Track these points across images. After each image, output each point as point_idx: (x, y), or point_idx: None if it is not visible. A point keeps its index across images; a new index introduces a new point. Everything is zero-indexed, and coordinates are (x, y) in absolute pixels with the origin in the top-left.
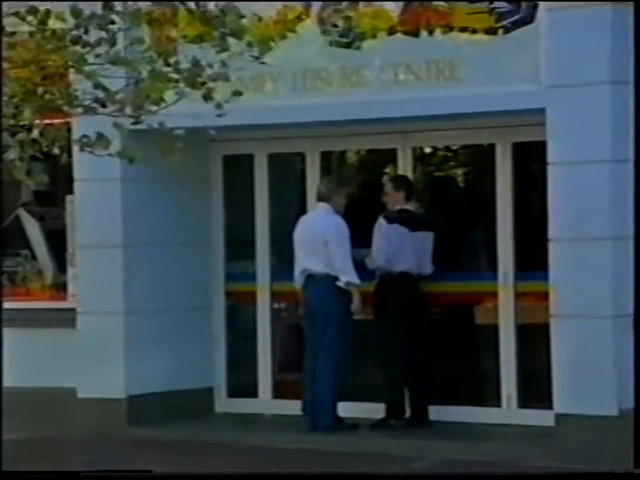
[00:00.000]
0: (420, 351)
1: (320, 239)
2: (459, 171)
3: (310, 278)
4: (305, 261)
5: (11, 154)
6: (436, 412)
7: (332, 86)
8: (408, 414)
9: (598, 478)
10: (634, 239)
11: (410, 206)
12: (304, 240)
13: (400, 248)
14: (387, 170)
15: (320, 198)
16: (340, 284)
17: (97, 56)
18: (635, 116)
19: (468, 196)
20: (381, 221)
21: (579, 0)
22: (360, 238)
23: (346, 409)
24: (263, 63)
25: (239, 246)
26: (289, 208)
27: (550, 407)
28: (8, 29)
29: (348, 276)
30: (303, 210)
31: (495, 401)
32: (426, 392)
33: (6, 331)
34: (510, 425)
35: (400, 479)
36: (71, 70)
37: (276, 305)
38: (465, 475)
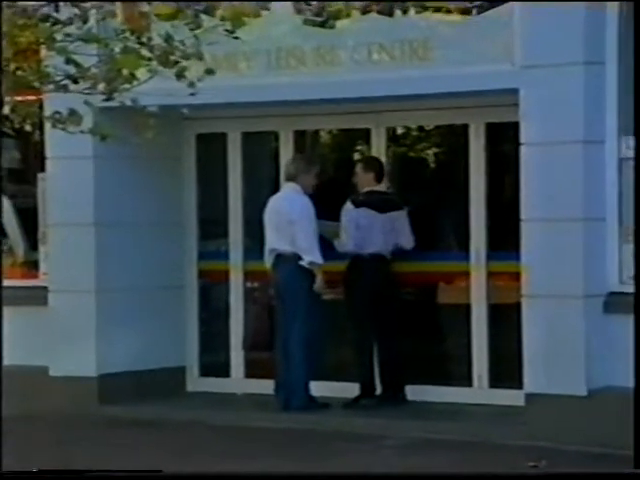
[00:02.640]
0: (391, 331)
1: (285, 219)
2: (432, 151)
3: (278, 258)
4: (273, 241)
5: None
6: (409, 392)
7: (306, 65)
8: (380, 393)
9: (598, 478)
10: (634, 235)
11: (379, 187)
12: (271, 220)
13: (369, 231)
14: (360, 150)
15: (288, 178)
16: (303, 264)
17: (67, 35)
18: (635, 115)
19: (441, 176)
20: (348, 205)
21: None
22: (332, 218)
23: (319, 388)
24: (237, 38)
25: (212, 225)
26: (262, 187)
27: (520, 387)
28: None
29: (311, 256)
30: (276, 189)
31: (466, 381)
32: (399, 371)
33: None
34: (481, 405)
35: (399, 479)
36: (43, 46)
37: (249, 284)
38: (465, 475)
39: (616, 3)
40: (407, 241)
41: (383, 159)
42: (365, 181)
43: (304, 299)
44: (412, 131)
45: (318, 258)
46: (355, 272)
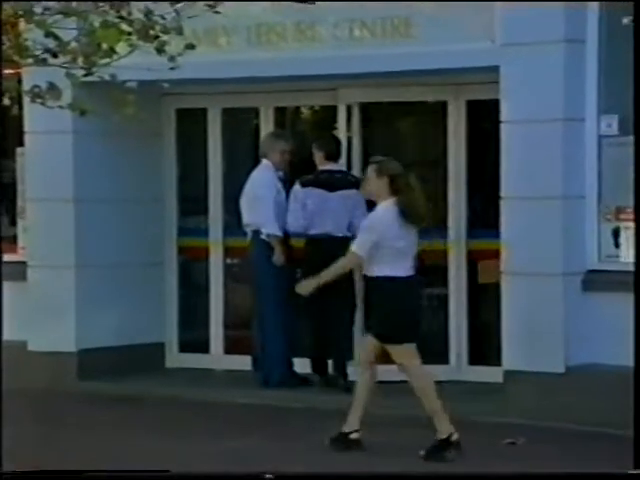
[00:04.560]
0: (341, 311)
1: (251, 194)
2: (412, 128)
3: (253, 233)
4: (244, 216)
5: None
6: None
7: (287, 41)
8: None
9: (598, 478)
10: (635, 230)
11: (335, 166)
12: (243, 196)
13: (318, 211)
14: (338, 126)
15: (260, 155)
16: (262, 236)
17: (46, 8)
18: (635, 114)
19: (420, 153)
20: (295, 185)
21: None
22: None
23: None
24: (217, 12)
25: (192, 201)
26: (242, 164)
27: (499, 364)
28: None
29: (268, 228)
30: (256, 166)
31: (444, 358)
32: (343, 352)
33: None
34: (459, 382)
35: (400, 479)
36: (21, 20)
37: (229, 261)
38: (465, 475)
39: None
40: (361, 221)
41: (356, 137)
42: (319, 160)
43: (268, 271)
44: (392, 107)
45: (275, 230)
46: (307, 252)
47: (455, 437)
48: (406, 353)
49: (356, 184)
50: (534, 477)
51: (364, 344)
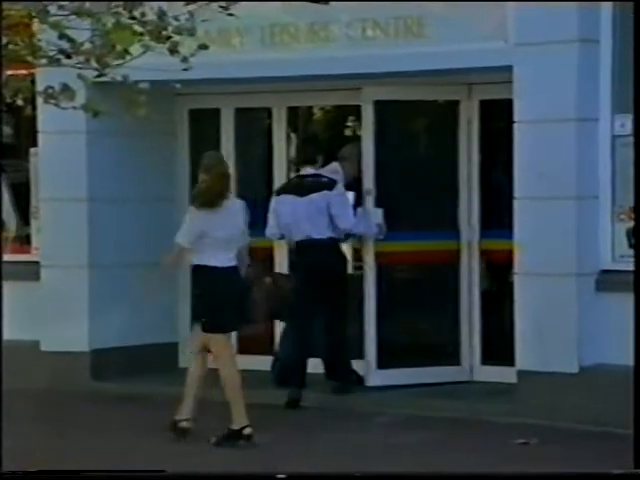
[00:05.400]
0: (333, 315)
1: None
2: (424, 128)
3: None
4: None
5: None
6: (403, 373)
7: (299, 41)
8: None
9: (598, 478)
10: (634, 214)
11: (308, 170)
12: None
13: (293, 217)
14: (352, 126)
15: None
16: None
17: (60, 7)
18: (634, 114)
19: (433, 153)
20: (273, 194)
21: None
22: None
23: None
24: (231, 15)
25: None
26: (255, 163)
27: (512, 364)
28: None
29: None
30: (269, 165)
31: (457, 359)
32: (337, 357)
33: None
34: (473, 382)
35: (399, 479)
36: (35, 20)
37: None
38: (465, 475)
39: None
40: (343, 221)
41: (369, 136)
42: (300, 165)
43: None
44: (404, 107)
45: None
46: (293, 257)
47: (247, 431)
48: (219, 342)
49: (328, 185)
50: (534, 477)
51: (193, 333)
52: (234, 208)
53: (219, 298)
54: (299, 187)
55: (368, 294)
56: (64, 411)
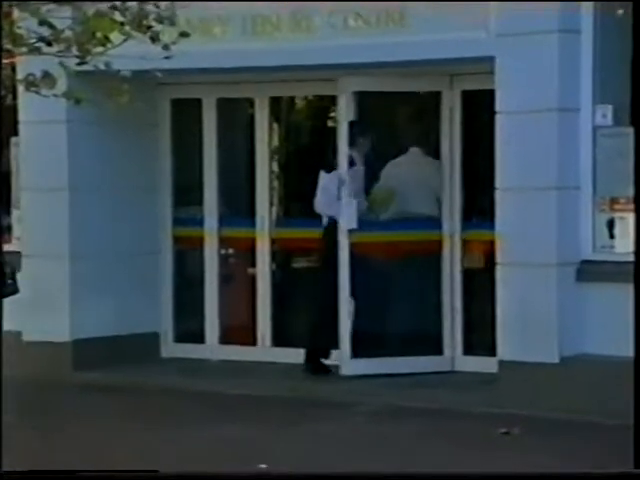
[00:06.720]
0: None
1: None
2: (406, 118)
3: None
4: None
5: None
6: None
7: (281, 31)
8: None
9: (598, 478)
10: (635, 221)
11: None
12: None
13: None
14: (334, 116)
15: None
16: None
17: None
18: (632, 107)
19: (414, 143)
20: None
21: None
22: (307, 185)
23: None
24: None
25: (187, 191)
26: (237, 153)
27: (494, 354)
28: None
29: None
30: (252, 155)
31: (439, 349)
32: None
33: None
34: (454, 372)
35: (399, 479)
36: (15, 7)
37: (223, 251)
38: (465, 475)
39: None
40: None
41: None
42: None
43: None
44: (386, 97)
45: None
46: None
47: None
48: None
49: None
50: (534, 477)
51: None
52: None
53: None
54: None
55: (343, 284)
56: (46, 401)
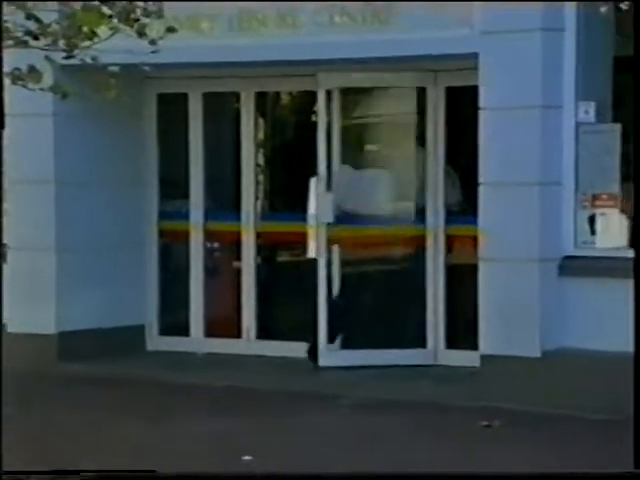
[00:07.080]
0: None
1: None
2: (390, 114)
3: None
4: None
5: None
6: (365, 354)
7: (267, 27)
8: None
9: (598, 478)
10: (634, 218)
11: None
12: None
13: None
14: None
15: None
16: None
17: None
18: (634, 114)
19: (399, 139)
20: None
21: None
22: (294, 182)
23: (280, 349)
24: None
25: (173, 185)
26: (223, 148)
27: (476, 348)
28: None
29: None
30: (237, 150)
31: (421, 342)
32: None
33: None
34: (437, 366)
35: (399, 479)
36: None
37: (209, 244)
38: (465, 475)
39: None
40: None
41: (336, 123)
42: None
43: None
44: (370, 93)
45: None
46: None
47: None
48: None
49: None
50: (534, 477)
51: None
52: None
53: None
54: None
55: (320, 277)
56: (31, 393)
